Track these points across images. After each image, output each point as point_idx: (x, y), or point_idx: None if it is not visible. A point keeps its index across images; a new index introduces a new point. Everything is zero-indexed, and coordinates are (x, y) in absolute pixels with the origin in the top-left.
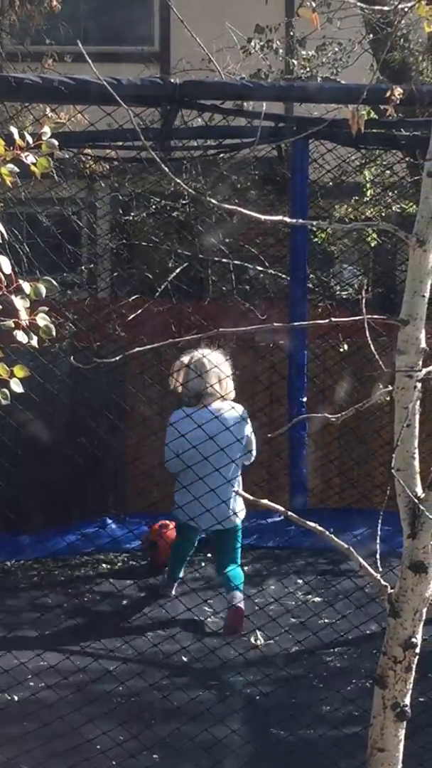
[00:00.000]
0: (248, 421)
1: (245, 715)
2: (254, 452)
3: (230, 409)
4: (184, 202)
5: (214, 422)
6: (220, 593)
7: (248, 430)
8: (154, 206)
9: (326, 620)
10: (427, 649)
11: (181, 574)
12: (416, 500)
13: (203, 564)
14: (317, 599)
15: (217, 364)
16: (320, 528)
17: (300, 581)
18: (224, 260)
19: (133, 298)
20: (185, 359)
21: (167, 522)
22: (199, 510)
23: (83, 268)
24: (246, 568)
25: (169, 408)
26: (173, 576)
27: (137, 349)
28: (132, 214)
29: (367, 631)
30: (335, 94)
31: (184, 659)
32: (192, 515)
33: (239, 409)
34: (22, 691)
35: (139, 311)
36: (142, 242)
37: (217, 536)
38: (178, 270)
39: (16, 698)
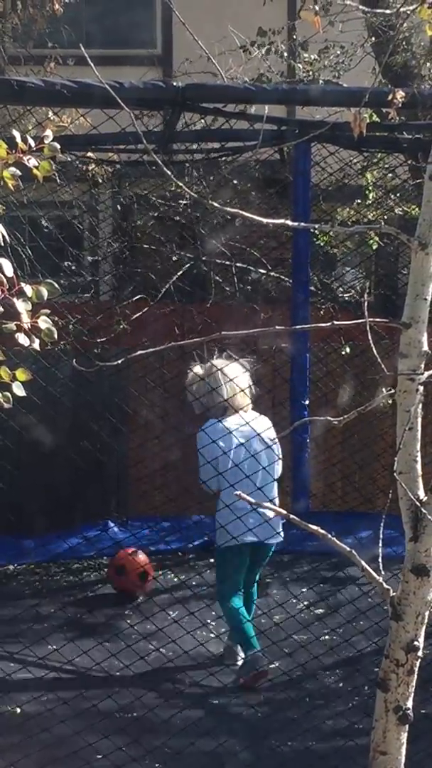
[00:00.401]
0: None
1: (248, 724)
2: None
3: (261, 419)
4: (184, 202)
5: (250, 434)
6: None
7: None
8: (155, 212)
9: (329, 627)
10: (429, 658)
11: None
12: (418, 503)
13: (207, 569)
14: (320, 604)
15: (236, 374)
16: (323, 531)
17: (302, 585)
18: (227, 263)
19: (136, 298)
20: (199, 370)
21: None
22: (247, 524)
23: (85, 270)
24: None
25: (172, 411)
26: (242, 636)
27: (140, 351)
28: (134, 217)
29: (371, 638)
30: (338, 97)
31: (188, 668)
32: (240, 531)
33: (267, 420)
34: (25, 697)
35: (142, 312)
36: (144, 245)
37: (255, 551)
38: (180, 272)
39: (18, 710)
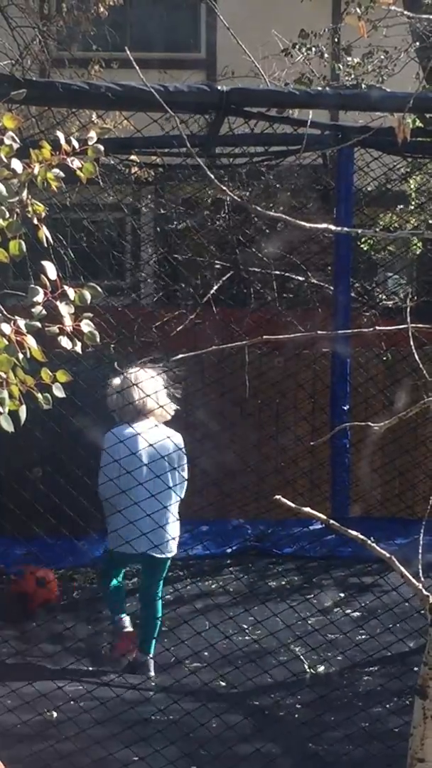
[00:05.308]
0: (183, 448)
1: (282, 729)
2: (185, 484)
3: (161, 429)
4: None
5: (145, 443)
6: (263, 603)
7: (183, 457)
8: (198, 217)
9: (367, 634)
10: None
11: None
12: None
13: (238, 572)
14: (357, 611)
15: (143, 382)
16: (362, 537)
17: (340, 592)
18: (267, 271)
19: (178, 312)
20: (116, 380)
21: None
22: (136, 533)
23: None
24: (286, 578)
25: (212, 415)
26: (119, 616)
27: (180, 355)
28: (175, 222)
29: (409, 645)
30: (384, 102)
31: (224, 672)
32: (129, 538)
33: (172, 433)
34: (61, 701)
35: (189, 318)
36: (185, 254)
37: (148, 564)
38: (224, 278)
39: (54, 714)
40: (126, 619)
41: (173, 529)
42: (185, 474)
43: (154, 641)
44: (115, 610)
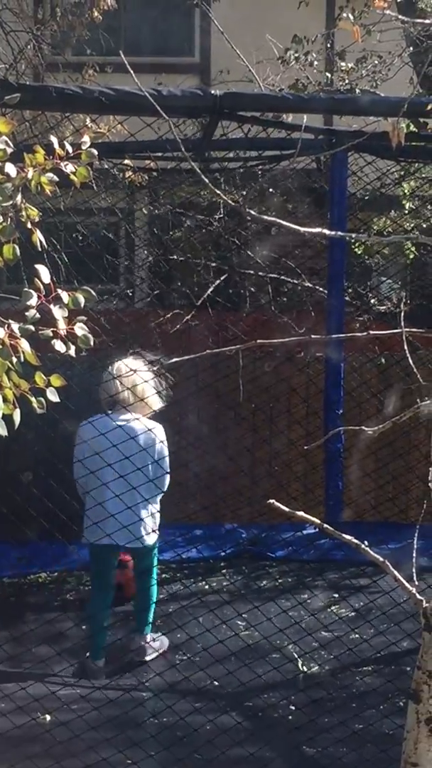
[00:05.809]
0: (163, 440)
1: (275, 733)
2: (167, 476)
3: (140, 421)
4: (220, 216)
5: (121, 434)
6: (256, 606)
7: (162, 449)
8: (192, 221)
9: (360, 636)
10: None
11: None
12: None
13: (232, 575)
14: (351, 614)
15: (126, 372)
16: (356, 541)
17: (334, 593)
18: (261, 274)
19: (174, 312)
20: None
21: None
22: (107, 524)
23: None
24: (279, 580)
25: (206, 418)
26: (97, 648)
27: (175, 359)
28: (170, 229)
29: (402, 648)
30: (377, 106)
31: (217, 676)
32: (106, 531)
33: (151, 424)
34: (54, 705)
35: (184, 320)
36: (180, 257)
37: (132, 555)
38: (218, 281)
39: (47, 717)
40: (99, 662)
41: (148, 520)
42: (165, 464)
43: (149, 624)
44: (96, 641)
